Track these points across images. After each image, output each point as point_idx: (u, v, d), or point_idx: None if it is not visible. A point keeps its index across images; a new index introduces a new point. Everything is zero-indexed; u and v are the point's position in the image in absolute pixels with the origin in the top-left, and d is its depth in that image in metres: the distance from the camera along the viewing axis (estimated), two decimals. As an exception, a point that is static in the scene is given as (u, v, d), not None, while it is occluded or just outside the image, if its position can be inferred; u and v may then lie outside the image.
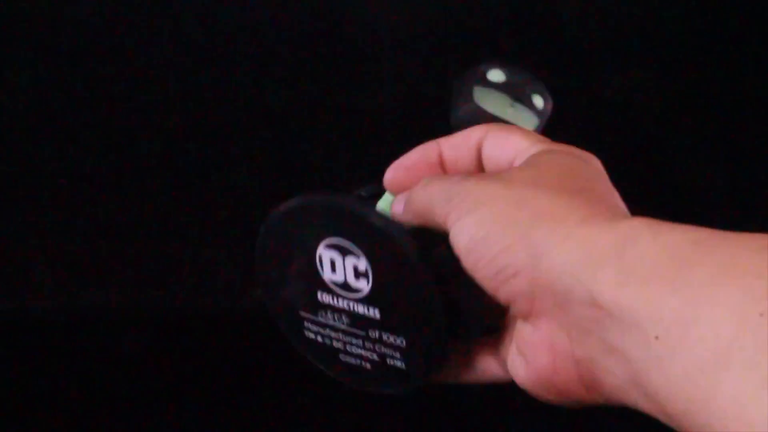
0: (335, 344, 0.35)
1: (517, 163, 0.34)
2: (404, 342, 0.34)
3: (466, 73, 0.39)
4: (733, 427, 0.24)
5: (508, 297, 0.30)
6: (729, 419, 0.24)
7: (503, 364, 0.34)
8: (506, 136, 0.34)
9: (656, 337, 0.26)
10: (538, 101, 0.39)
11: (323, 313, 0.35)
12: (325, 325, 0.35)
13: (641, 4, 0.78)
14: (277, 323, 0.36)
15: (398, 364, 0.34)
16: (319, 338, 0.35)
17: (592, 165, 0.33)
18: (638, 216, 0.29)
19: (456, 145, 0.35)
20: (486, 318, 0.34)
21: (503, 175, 0.32)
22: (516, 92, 0.39)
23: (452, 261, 0.32)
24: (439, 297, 0.33)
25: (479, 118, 0.38)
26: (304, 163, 0.79)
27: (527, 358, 0.31)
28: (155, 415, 0.68)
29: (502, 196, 0.31)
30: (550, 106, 0.39)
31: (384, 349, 0.34)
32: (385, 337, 0.34)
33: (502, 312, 0.33)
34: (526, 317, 0.30)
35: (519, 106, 0.39)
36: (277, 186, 0.72)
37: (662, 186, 0.76)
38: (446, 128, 0.37)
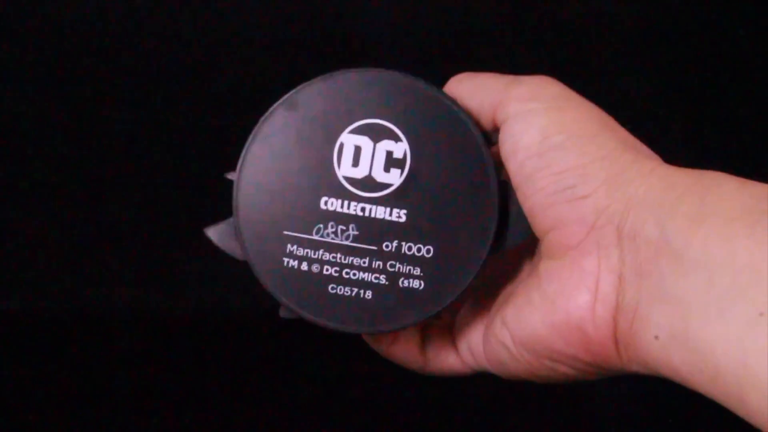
0: (327, 270, 0.30)
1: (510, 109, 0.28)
2: (431, 250, 0.29)
3: None
4: None
5: (562, 221, 0.26)
6: None
7: (463, 352, 0.31)
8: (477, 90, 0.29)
9: (724, 280, 0.23)
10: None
11: (321, 227, 0.29)
12: (319, 245, 0.29)
13: (641, 4, 0.78)
14: (241, 252, 0.30)
15: (414, 284, 0.29)
16: (304, 266, 0.30)
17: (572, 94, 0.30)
18: None
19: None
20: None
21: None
22: None
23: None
24: (497, 187, 0.28)
25: None
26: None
27: (555, 299, 0.27)
28: (155, 415, 0.67)
29: (585, 105, 0.27)
30: None
31: (399, 266, 0.29)
32: (405, 248, 0.29)
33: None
34: (566, 251, 0.27)
35: None
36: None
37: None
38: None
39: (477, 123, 0.29)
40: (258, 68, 0.73)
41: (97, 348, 0.70)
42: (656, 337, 0.25)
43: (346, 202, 0.29)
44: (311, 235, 0.30)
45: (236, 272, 0.72)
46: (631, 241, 0.26)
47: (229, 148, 0.73)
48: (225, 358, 0.70)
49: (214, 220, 0.32)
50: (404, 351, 0.32)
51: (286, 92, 0.30)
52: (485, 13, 0.77)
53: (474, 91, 0.29)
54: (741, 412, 0.23)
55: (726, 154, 0.77)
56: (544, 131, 0.26)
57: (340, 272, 0.29)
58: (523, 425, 0.67)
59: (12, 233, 0.72)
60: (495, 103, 0.28)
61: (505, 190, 0.28)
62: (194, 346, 0.71)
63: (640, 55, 0.78)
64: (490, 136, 0.29)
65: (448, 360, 0.32)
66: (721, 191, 0.25)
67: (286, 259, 0.30)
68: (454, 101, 0.29)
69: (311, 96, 0.29)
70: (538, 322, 0.28)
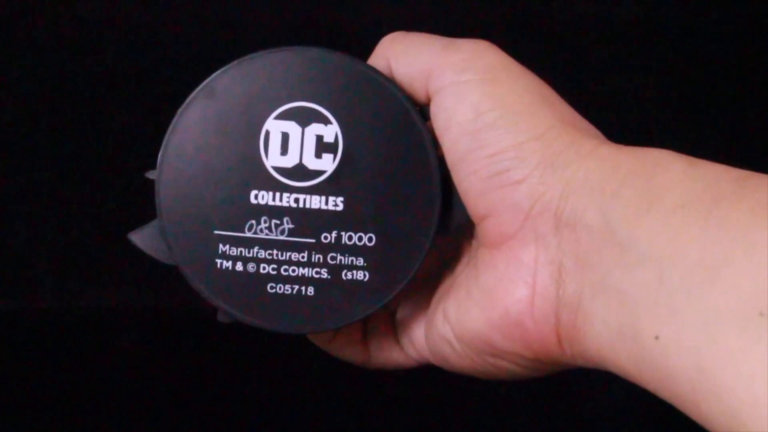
0: (263, 269, 0.27)
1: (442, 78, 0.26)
2: (374, 239, 0.27)
3: None
4: (761, 401, 0.19)
5: (496, 208, 0.24)
6: (757, 386, 0.19)
7: (409, 341, 0.29)
8: (407, 58, 0.27)
9: (675, 278, 0.21)
10: None
11: (254, 224, 0.27)
12: (253, 243, 0.27)
13: (641, 4, 0.78)
14: (169, 257, 0.28)
15: (359, 275, 0.27)
16: (239, 266, 0.28)
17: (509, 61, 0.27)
18: None
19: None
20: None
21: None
22: None
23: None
24: (438, 165, 0.26)
25: None
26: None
27: (492, 296, 0.25)
28: (155, 415, 0.67)
29: (523, 76, 0.25)
30: None
31: (340, 258, 0.27)
32: (345, 238, 0.27)
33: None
34: (502, 241, 0.25)
35: None
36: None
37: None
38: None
39: (411, 96, 0.27)
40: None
41: (97, 348, 0.70)
42: (599, 334, 0.23)
43: (277, 194, 0.27)
44: (244, 232, 0.28)
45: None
46: (571, 229, 0.24)
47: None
48: (225, 358, 0.70)
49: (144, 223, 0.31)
50: (345, 346, 0.31)
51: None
52: (485, 13, 0.77)
53: (407, 55, 0.27)
54: (694, 415, 0.21)
55: (726, 154, 0.77)
56: (478, 107, 0.24)
57: (278, 270, 0.27)
58: (523, 425, 0.67)
59: (12, 233, 0.72)
60: (428, 71, 0.26)
61: (445, 166, 0.27)
62: (194, 346, 0.71)
63: (640, 55, 0.78)
64: (426, 110, 0.27)
65: (391, 354, 0.31)
66: (668, 175, 0.23)
67: (219, 260, 0.28)
68: (383, 75, 0.27)
69: (229, 82, 0.27)
70: (478, 317, 0.26)
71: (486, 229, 0.25)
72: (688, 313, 0.21)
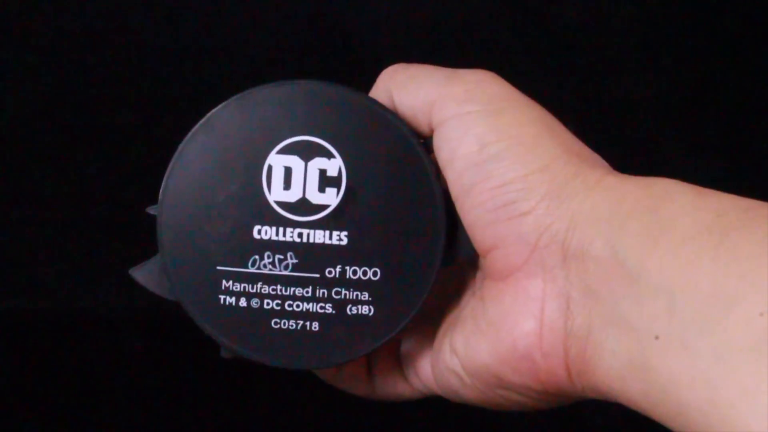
0: (267, 305, 0.27)
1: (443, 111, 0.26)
2: (379, 273, 0.27)
3: None
4: None
5: (503, 240, 0.24)
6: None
7: (414, 372, 0.29)
8: (409, 90, 0.27)
9: (686, 310, 0.20)
10: None
11: (257, 259, 0.27)
12: (256, 278, 0.27)
13: (641, 5, 0.78)
14: (171, 293, 0.27)
15: (364, 310, 0.27)
16: (243, 302, 0.27)
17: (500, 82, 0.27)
18: None
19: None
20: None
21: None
22: None
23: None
24: (442, 198, 0.26)
25: None
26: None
27: (500, 330, 0.25)
28: (156, 415, 0.67)
29: (526, 106, 0.24)
30: None
31: (345, 293, 0.27)
32: (350, 273, 0.27)
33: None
34: (509, 273, 0.25)
35: None
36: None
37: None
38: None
39: (413, 128, 0.27)
40: (258, 68, 0.73)
41: (97, 348, 0.70)
42: (609, 366, 0.23)
43: (281, 229, 0.27)
44: (247, 267, 0.27)
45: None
46: (579, 261, 0.24)
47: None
48: (225, 358, 0.70)
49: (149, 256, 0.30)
50: (350, 379, 0.31)
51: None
52: (485, 13, 0.77)
53: (409, 86, 0.27)
54: None
55: (726, 154, 0.77)
56: (482, 139, 0.24)
57: (282, 305, 0.27)
58: (523, 425, 0.67)
59: (12, 233, 0.72)
60: (430, 102, 0.26)
61: (450, 198, 0.27)
62: (194, 346, 0.71)
63: (640, 55, 0.78)
64: (429, 142, 0.27)
65: (396, 387, 0.30)
66: (675, 205, 0.23)
67: (222, 296, 0.28)
68: (385, 108, 0.27)
69: (230, 117, 0.27)
70: (486, 350, 0.26)
71: (492, 261, 0.25)
72: (700, 346, 0.21)
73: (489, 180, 0.24)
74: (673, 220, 0.22)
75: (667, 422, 0.22)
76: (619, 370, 0.23)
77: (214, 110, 0.27)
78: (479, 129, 0.25)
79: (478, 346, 0.26)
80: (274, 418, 0.67)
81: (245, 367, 0.69)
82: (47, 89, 0.72)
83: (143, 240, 0.72)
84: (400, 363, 0.31)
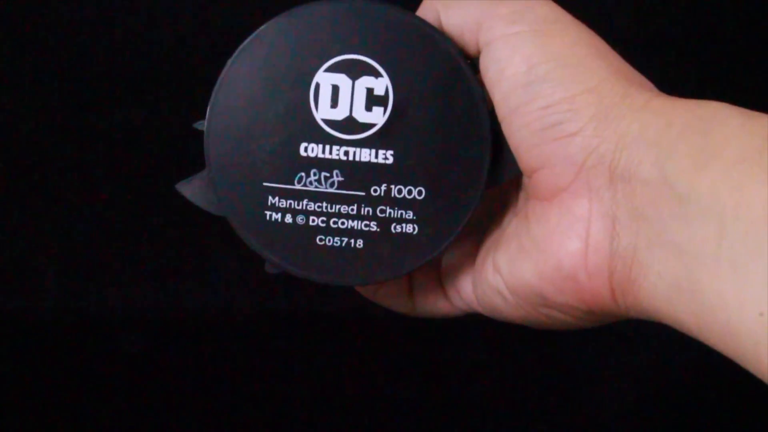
0: (313, 222, 0.27)
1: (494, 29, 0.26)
2: (423, 192, 0.27)
3: None
4: None
5: (549, 160, 0.24)
6: None
7: (455, 292, 0.29)
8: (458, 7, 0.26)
9: (737, 232, 0.20)
10: None
11: (303, 176, 0.27)
12: (302, 195, 0.27)
13: (641, 5, 0.78)
14: (217, 208, 0.28)
15: (408, 228, 0.27)
16: (288, 218, 0.27)
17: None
18: None
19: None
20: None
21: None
22: None
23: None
24: (488, 118, 0.25)
25: None
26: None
27: (546, 249, 0.25)
28: (155, 415, 0.67)
29: (575, 27, 0.24)
30: None
31: (390, 211, 0.27)
32: (395, 191, 0.27)
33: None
34: (555, 193, 0.25)
35: None
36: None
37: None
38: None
39: (461, 49, 0.26)
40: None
41: (97, 348, 0.70)
42: (654, 287, 0.23)
43: (327, 147, 0.27)
44: (293, 184, 0.27)
45: (236, 273, 0.72)
46: (626, 182, 0.24)
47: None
48: (225, 359, 0.70)
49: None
50: (391, 296, 0.30)
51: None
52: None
53: (456, 6, 0.26)
54: (754, 369, 0.21)
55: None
56: (530, 59, 0.24)
57: (327, 222, 0.27)
58: (523, 425, 0.67)
59: (12, 233, 0.72)
60: (478, 22, 0.26)
61: (496, 119, 0.26)
62: (194, 346, 0.71)
63: (640, 55, 0.78)
64: (476, 61, 0.27)
65: (437, 304, 0.31)
66: (725, 128, 0.22)
67: (268, 212, 0.28)
68: (433, 27, 0.26)
69: (278, 34, 0.27)
70: (530, 270, 0.26)
71: (538, 181, 0.25)
72: (751, 269, 0.20)
73: (536, 101, 0.24)
74: (723, 143, 0.22)
75: (716, 344, 0.22)
76: (665, 291, 0.23)
77: (261, 27, 0.27)
78: (527, 49, 0.24)
79: (523, 265, 0.26)
80: (274, 418, 0.68)
81: (245, 367, 0.69)
82: (47, 89, 0.72)
83: (143, 240, 0.72)
84: (440, 281, 0.30)
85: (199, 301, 0.72)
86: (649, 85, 0.26)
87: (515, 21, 0.25)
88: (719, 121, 0.23)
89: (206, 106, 0.29)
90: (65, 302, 0.71)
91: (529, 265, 0.26)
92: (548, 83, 0.24)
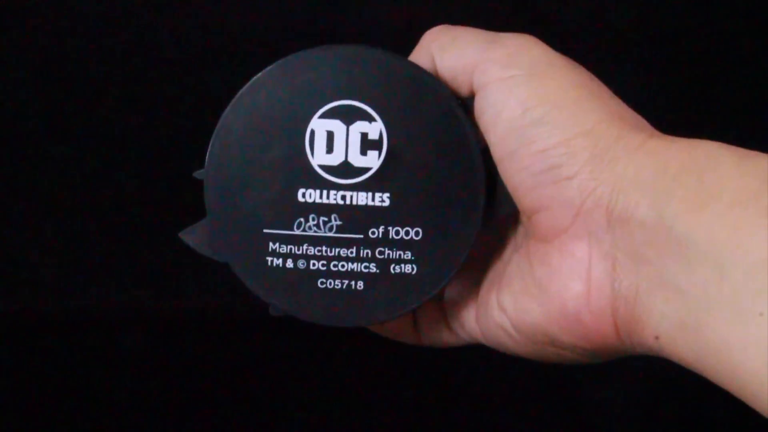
0: (313, 266, 0.28)
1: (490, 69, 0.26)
2: (420, 233, 0.27)
3: None
4: None
5: (547, 203, 0.25)
6: None
7: (459, 322, 0.29)
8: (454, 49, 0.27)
9: (738, 276, 0.21)
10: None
11: (302, 221, 0.28)
12: (302, 240, 0.28)
13: (641, 5, 0.78)
14: (222, 253, 0.28)
15: (406, 269, 0.28)
16: (290, 263, 0.28)
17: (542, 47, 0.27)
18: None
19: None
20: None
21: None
22: None
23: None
24: (481, 159, 0.26)
25: None
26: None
27: (548, 291, 0.25)
28: (155, 415, 0.67)
29: (569, 70, 0.25)
30: None
31: (388, 252, 0.28)
32: (392, 233, 0.28)
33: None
34: (555, 235, 0.25)
35: None
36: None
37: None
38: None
39: (453, 91, 0.27)
40: (257, 68, 0.73)
41: (97, 348, 0.70)
42: (658, 326, 0.23)
43: (324, 192, 0.28)
44: (292, 230, 0.28)
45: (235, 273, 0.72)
46: (624, 225, 0.24)
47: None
48: (225, 358, 0.70)
49: (194, 220, 0.31)
50: (397, 331, 0.31)
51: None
52: (485, 13, 0.77)
53: (451, 49, 0.27)
54: (759, 408, 0.21)
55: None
56: (525, 103, 0.25)
57: (327, 265, 0.28)
58: (522, 424, 0.67)
59: (12, 233, 0.72)
60: (472, 65, 0.26)
61: (489, 158, 0.27)
62: (194, 346, 0.71)
63: (640, 55, 0.78)
64: (469, 103, 0.27)
65: (441, 336, 0.31)
66: (720, 169, 0.23)
67: (269, 258, 0.28)
68: (424, 71, 0.27)
69: (273, 83, 0.28)
70: (535, 311, 0.26)
71: (537, 222, 0.26)
72: (754, 313, 0.21)
73: (532, 144, 0.25)
74: (719, 185, 0.22)
75: (722, 383, 0.22)
76: (669, 331, 0.23)
77: (257, 75, 0.28)
78: (522, 93, 0.25)
79: (528, 305, 0.27)
80: (274, 418, 0.68)
81: (245, 366, 0.69)
82: (48, 89, 0.72)
83: (143, 240, 0.72)
84: (444, 313, 0.31)
85: (199, 301, 0.72)
86: (645, 124, 0.26)
87: (509, 65, 0.25)
88: (714, 163, 0.23)
89: (205, 149, 0.30)
90: (65, 302, 0.71)
91: (533, 306, 0.26)
92: (544, 126, 0.25)
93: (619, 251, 0.24)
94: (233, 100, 0.28)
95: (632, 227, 0.24)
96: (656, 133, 0.26)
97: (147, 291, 0.72)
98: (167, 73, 0.72)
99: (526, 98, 0.25)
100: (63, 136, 0.72)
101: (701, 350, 0.22)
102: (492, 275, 0.29)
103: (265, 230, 0.28)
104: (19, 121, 0.72)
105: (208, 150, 0.29)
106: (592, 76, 0.27)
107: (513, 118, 0.25)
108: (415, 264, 0.28)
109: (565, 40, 0.78)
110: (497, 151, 0.26)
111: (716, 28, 0.78)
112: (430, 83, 0.27)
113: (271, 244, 0.28)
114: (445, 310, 0.31)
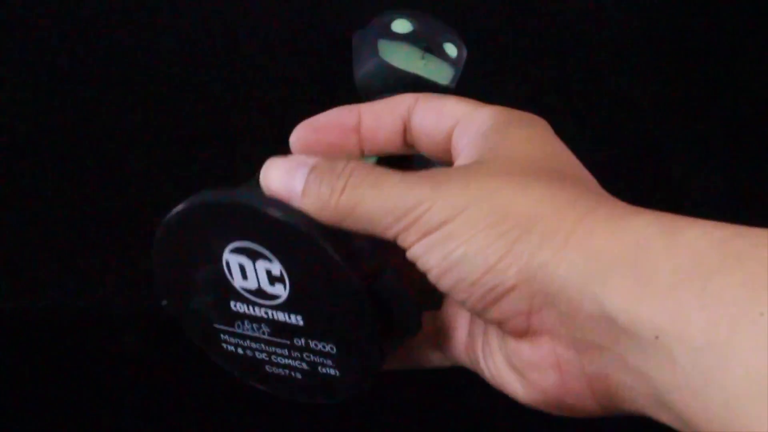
0: (258, 355, 0.31)
1: (462, 136, 0.28)
2: (334, 348, 0.30)
3: (368, 26, 0.35)
4: None
5: (500, 317, 0.26)
6: None
7: (448, 350, 0.30)
8: (440, 104, 0.29)
9: (686, 361, 0.22)
10: (451, 50, 0.35)
11: (240, 324, 0.31)
12: (244, 336, 0.31)
13: (641, 6, 0.78)
14: (190, 336, 0.32)
15: (331, 371, 0.30)
16: (240, 350, 0.31)
17: (547, 129, 0.28)
18: (636, 207, 0.25)
19: (379, 113, 0.30)
20: (426, 306, 0.30)
21: (462, 171, 0.27)
22: (425, 42, 0.34)
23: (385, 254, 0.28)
24: (367, 296, 0.28)
25: (387, 76, 0.33)
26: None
27: (527, 377, 0.27)
28: (155, 415, 0.68)
29: (475, 200, 0.26)
30: (464, 54, 0.35)
31: (313, 357, 0.30)
32: (312, 344, 0.30)
33: (441, 297, 0.29)
34: (522, 335, 0.26)
35: (431, 57, 0.34)
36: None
37: (659, 185, 0.76)
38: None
39: (336, 243, 0.28)
40: (258, 67, 0.73)
41: (98, 347, 0.70)
42: (634, 399, 0.25)
43: (251, 306, 0.30)
44: (234, 328, 0.31)
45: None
46: (572, 319, 0.25)
47: (229, 148, 0.73)
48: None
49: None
50: (399, 358, 0.32)
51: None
52: (486, 14, 0.77)
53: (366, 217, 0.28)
54: None
55: (726, 154, 0.78)
56: (444, 252, 0.26)
57: (269, 357, 0.31)
58: (522, 424, 0.67)
59: (12, 233, 0.72)
60: (391, 234, 0.27)
61: (382, 292, 0.29)
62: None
63: (640, 56, 0.78)
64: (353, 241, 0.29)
65: (430, 359, 0.32)
66: (651, 254, 0.23)
67: (224, 344, 0.31)
68: (310, 222, 0.28)
69: (189, 219, 0.30)
70: (519, 390, 0.28)
71: (501, 328, 0.27)
72: (708, 394, 0.22)
73: (463, 281, 0.26)
74: (652, 270, 0.23)
75: None
76: (643, 404, 0.24)
77: (168, 215, 0.30)
78: (437, 253, 0.26)
79: (511, 381, 0.28)
80: (274, 418, 0.68)
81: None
82: (48, 90, 0.72)
83: (143, 240, 0.72)
84: (437, 339, 0.32)
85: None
86: (569, 219, 0.26)
87: (430, 227, 0.26)
88: (643, 247, 0.24)
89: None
90: (65, 302, 0.71)
91: (517, 386, 0.28)
92: (466, 264, 0.26)
93: (578, 342, 0.25)
94: (159, 231, 0.30)
95: (581, 320, 0.24)
96: (578, 219, 0.25)
97: (147, 291, 0.72)
98: (167, 74, 0.72)
99: (444, 248, 0.26)
100: (63, 135, 0.72)
101: (675, 421, 0.24)
102: (478, 331, 0.30)
103: (214, 324, 0.31)
104: (19, 122, 0.72)
105: (154, 270, 0.31)
106: (498, 182, 0.27)
107: (439, 267, 0.26)
108: (337, 369, 0.30)
109: (565, 40, 0.78)
110: (447, 292, 0.27)
111: (717, 28, 0.78)
112: (312, 228, 0.28)
113: (222, 335, 0.31)
114: (438, 336, 0.31)
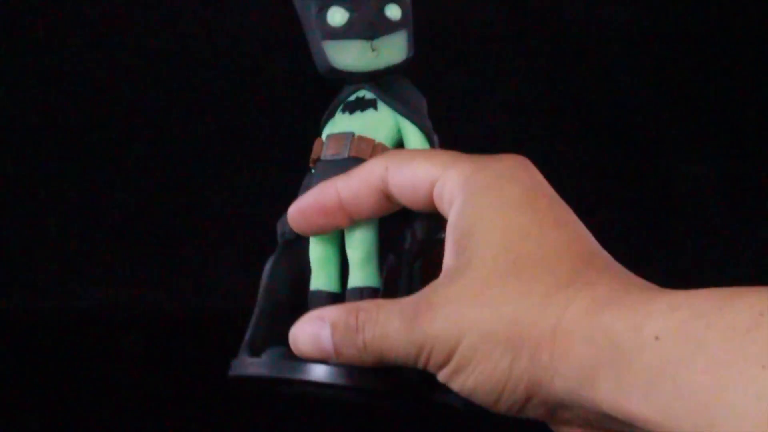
0: None
1: (440, 200, 0.30)
2: None
3: (305, 11, 0.34)
4: None
5: (533, 417, 0.29)
6: None
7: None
8: (411, 169, 0.31)
9: None
10: (395, 11, 0.33)
11: None
12: None
13: (641, 6, 0.78)
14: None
15: None
16: None
17: (534, 178, 0.30)
18: (607, 293, 0.27)
19: (355, 190, 0.32)
20: None
21: (443, 299, 0.29)
22: (368, 29, 0.33)
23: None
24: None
25: (346, 76, 0.33)
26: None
27: None
28: (155, 415, 0.68)
29: (466, 332, 0.29)
30: (409, 10, 0.34)
31: None
32: None
33: None
34: (562, 425, 0.29)
35: (380, 42, 0.33)
36: (278, 185, 0.72)
37: (658, 185, 0.76)
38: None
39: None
40: (256, 68, 0.73)
41: (97, 348, 0.70)
42: None
43: None
44: None
45: (236, 273, 0.73)
46: (589, 415, 0.28)
47: (230, 148, 0.73)
48: (225, 358, 0.70)
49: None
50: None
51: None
52: (486, 14, 0.77)
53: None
54: None
55: (726, 155, 0.78)
56: (459, 382, 0.29)
57: None
58: (522, 423, 0.67)
59: (12, 233, 0.72)
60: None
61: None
62: (194, 345, 0.71)
63: (640, 55, 0.78)
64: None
65: None
66: (623, 353, 0.26)
67: None
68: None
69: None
70: None
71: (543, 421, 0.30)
72: None
73: (486, 403, 0.29)
74: (627, 369, 0.26)
75: None
76: None
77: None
78: (454, 381, 0.29)
79: None
80: (274, 418, 0.68)
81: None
82: (49, 91, 0.72)
83: (143, 240, 0.72)
84: None
85: (199, 301, 0.72)
86: (536, 324, 0.28)
87: (436, 368, 0.30)
88: (617, 348, 0.26)
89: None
90: (65, 301, 0.71)
91: None
92: (480, 393, 0.29)
93: (606, 429, 0.28)
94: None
95: (595, 416, 0.27)
96: (565, 308, 0.28)
97: (147, 291, 0.72)
98: (167, 74, 0.72)
99: (459, 384, 0.29)
100: (63, 136, 0.72)
101: None
102: None
103: None
104: (19, 121, 0.72)
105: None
106: (481, 280, 0.29)
107: (464, 394, 0.30)
108: None
109: (565, 40, 0.78)
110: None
111: (717, 28, 0.78)
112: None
113: None
114: None
